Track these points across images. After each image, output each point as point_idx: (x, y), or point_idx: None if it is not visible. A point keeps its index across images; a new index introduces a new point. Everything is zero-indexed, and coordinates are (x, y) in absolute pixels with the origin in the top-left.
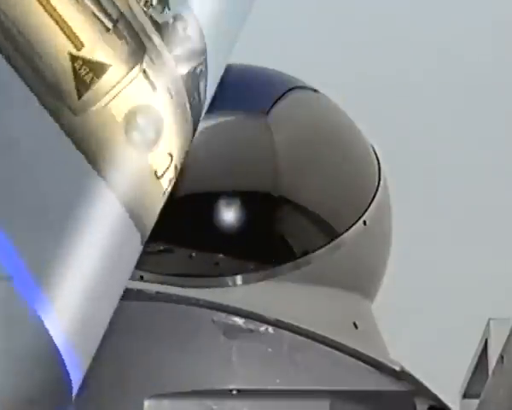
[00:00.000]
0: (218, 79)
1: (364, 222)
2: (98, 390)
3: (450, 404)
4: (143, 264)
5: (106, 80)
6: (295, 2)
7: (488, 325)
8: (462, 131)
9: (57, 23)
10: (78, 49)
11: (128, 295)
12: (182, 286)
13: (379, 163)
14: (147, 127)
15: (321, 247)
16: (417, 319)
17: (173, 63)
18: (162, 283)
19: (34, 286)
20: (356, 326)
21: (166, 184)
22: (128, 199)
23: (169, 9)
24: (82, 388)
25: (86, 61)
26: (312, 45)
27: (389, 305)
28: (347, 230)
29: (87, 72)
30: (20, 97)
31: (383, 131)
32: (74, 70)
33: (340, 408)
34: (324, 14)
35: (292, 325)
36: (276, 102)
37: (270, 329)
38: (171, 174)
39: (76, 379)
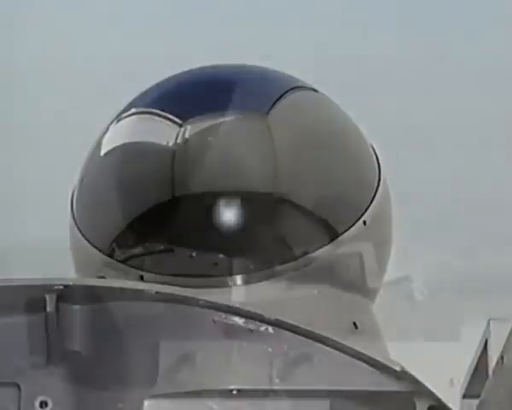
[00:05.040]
0: None
1: (364, 222)
2: (98, 390)
3: (450, 404)
4: (143, 264)
5: None
6: (295, 2)
7: (488, 325)
8: (463, 132)
9: None
10: None
11: (128, 295)
12: (182, 286)
13: (379, 163)
14: None
15: (321, 247)
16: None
17: None
18: (162, 283)
19: None
20: (356, 326)
21: None
22: None
23: None
24: (81, 387)
25: None
26: (312, 45)
27: (389, 305)
28: (347, 230)
29: None
30: None
31: (383, 129)
32: None
33: (340, 408)
34: (324, 14)
35: (292, 325)
36: (276, 102)
37: (270, 329)
38: None
39: None
